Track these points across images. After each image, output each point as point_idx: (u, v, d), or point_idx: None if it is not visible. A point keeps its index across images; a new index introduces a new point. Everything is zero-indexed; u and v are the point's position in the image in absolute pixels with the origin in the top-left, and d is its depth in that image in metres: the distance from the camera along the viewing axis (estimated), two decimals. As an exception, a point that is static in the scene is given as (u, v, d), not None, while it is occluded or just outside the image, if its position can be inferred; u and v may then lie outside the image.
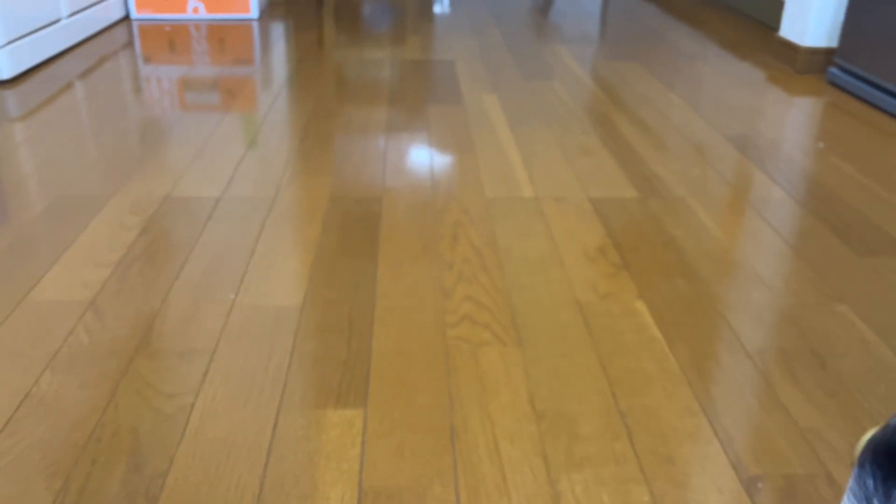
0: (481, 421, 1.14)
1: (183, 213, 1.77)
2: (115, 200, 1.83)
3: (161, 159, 2.10)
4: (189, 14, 3.80)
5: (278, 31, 3.60)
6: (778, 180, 2.02)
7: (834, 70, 2.84)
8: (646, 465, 1.07)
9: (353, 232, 1.71)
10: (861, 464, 0.61)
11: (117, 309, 1.39)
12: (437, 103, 2.60)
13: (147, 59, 3.09)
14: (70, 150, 2.14)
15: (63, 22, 3.07)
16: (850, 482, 0.61)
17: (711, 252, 1.65)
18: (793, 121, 2.54)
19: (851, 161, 2.16)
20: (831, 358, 1.30)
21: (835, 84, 2.85)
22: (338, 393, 1.19)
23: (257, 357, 1.27)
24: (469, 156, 2.15)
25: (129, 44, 3.30)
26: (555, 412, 1.16)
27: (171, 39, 3.40)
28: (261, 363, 1.25)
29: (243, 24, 3.66)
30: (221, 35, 3.48)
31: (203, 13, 3.81)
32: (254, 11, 3.81)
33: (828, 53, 2.94)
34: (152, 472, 1.03)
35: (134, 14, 3.76)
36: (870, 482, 0.59)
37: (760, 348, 1.33)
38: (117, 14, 3.66)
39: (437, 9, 4.24)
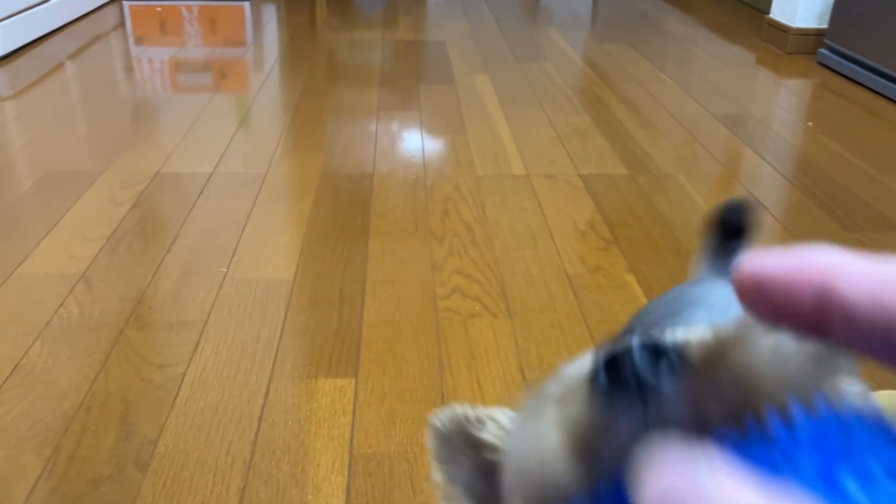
0: (471, 388, 1.15)
1: (174, 188, 1.77)
2: (105, 177, 1.82)
3: (151, 137, 2.09)
4: (179, -5, 3.77)
5: (269, 12, 3.58)
6: (767, 158, 2.03)
7: (824, 51, 2.85)
8: (634, 432, 1.08)
9: (344, 207, 1.71)
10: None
11: (108, 282, 1.39)
12: (428, 83, 2.60)
13: (138, 40, 3.07)
14: (60, 127, 2.13)
15: (54, 1, 3.04)
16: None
17: (700, 227, 1.66)
18: (782, 101, 2.55)
19: (839, 139, 2.17)
20: (818, 329, 1.31)
21: (824, 65, 2.85)
22: (329, 362, 1.20)
23: (248, 328, 1.27)
24: (460, 134, 2.15)
25: (121, 24, 3.27)
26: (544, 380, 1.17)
27: (162, 20, 3.38)
28: (252, 334, 1.26)
29: (235, 6, 3.64)
30: (213, 16, 3.46)
31: (193, -5, 3.78)
32: (244, -7, 3.78)
33: (818, 35, 2.94)
34: (142, 440, 1.04)
35: (123, -5, 3.73)
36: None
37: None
38: (106, -5, 3.63)
39: (428, -9, 4.22)
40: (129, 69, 2.72)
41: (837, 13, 2.77)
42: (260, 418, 1.08)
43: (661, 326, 0.59)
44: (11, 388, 1.12)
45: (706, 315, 0.56)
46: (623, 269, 1.48)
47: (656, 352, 0.20)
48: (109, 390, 1.13)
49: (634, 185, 1.84)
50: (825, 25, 2.90)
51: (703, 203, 1.77)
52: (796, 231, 1.65)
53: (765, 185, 1.87)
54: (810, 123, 2.30)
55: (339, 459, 1.01)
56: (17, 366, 1.17)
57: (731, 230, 0.74)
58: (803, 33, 2.96)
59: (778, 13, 3.10)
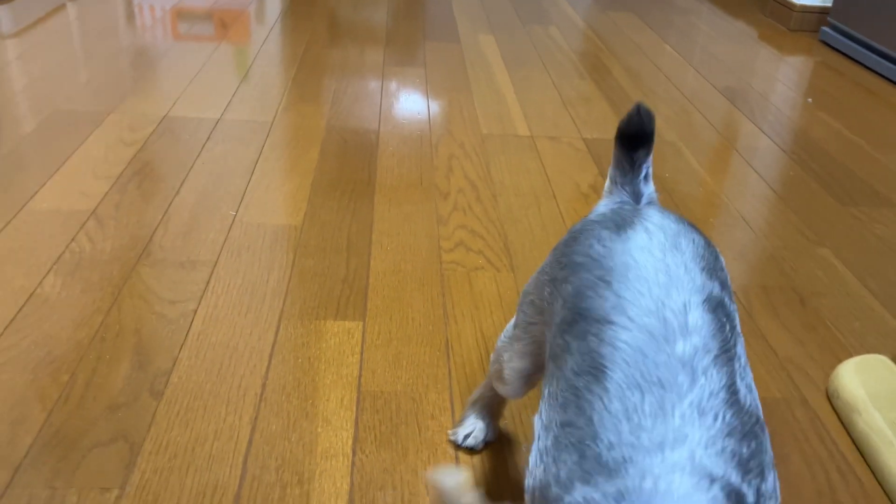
0: (474, 336, 1.18)
1: (181, 132, 1.78)
2: (111, 118, 1.82)
3: (156, 82, 2.09)
4: (181, -58, 3.72)
5: (273, -37, 3.54)
6: (766, 130, 2.06)
7: (826, 29, 2.87)
8: (631, 383, 1.12)
9: (350, 160, 1.72)
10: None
11: (118, 220, 1.41)
12: (433, 41, 2.60)
13: (139, -15, 3.03)
14: (64, 68, 2.12)
15: (53, -59, 3.00)
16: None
17: (698, 194, 1.69)
18: (783, 76, 2.57)
19: (838, 117, 2.20)
20: (811, 296, 1.36)
21: (826, 43, 2.88)
22: (337, 306, 1.23)
23: (258, 270, 1.30)
24: (465, 93, 2.16)
25: (121, -32, 3.23)
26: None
27: (163, -34, 3.33)
28: (262, 275, 1.28)
29: (237, -45, 3.60)
30: (215, -35, 3.42)
31: (196, -58, 3.73)
32: (248, -57, 3.73)
33: (821, 13, 2.96)
34: (156, 371, 1.07)
35: (124, -61, 3.67)
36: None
37: (744, 285, 1.38)
38: (108, -62, 3.57)
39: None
40: (130, 15, 2.69)
41: (842, -8, 2.79)
42: (270, 355, 1.11)
43: (590, 294, 0.64)
44: (27, 317, 1.15)
45: (636, 284, 0.62)
46: (624, 231, 1.51)
47: None
48: (122, 323, 1.15)
49: (636, 151, 1.87)
50: (829, 4, 2.92)
51: (702, 170, 1.80)
52: (793, 203, 1.68)
53: (763, 156, 1.91)
54: (810, 100, 2.33)
55: (348, 396, 1.05)
56: (31, 295, 1.19)
57: (633, 139, 0.79)
58: (807, 10, 2.98)
59: (783, -11, 3.11)
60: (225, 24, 2.66)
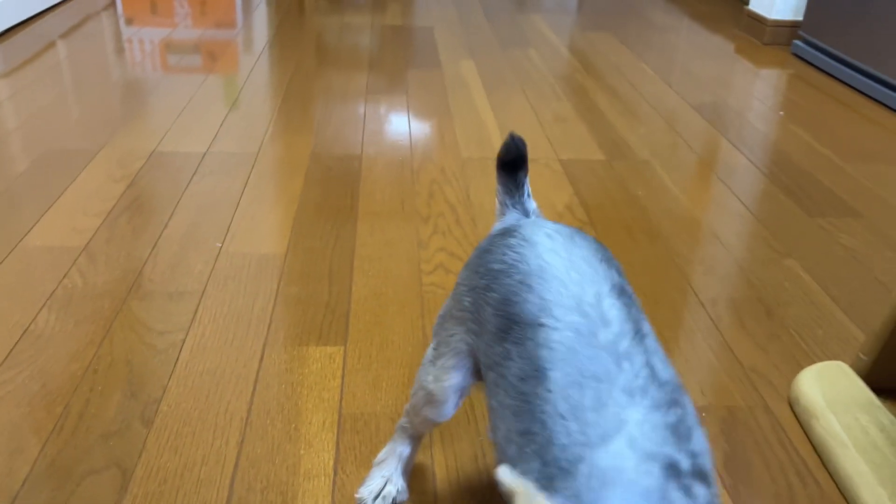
0: (452, 357, 1.23)
1: (169, 166, 1.84)
2: (101, 155, 1.88)
3: (146, 117, 2.15)
4: (169, -24, 3.80)
5: (259, -6, 3.62)
6: (739, 146, 2.12)
7: (798, 43, 2.94)
8: (601, 397, 1.17)
9: (333, 187, 1.78)
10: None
11: (109, 254, 1.47)
12: (415, 68, 2.67)
13: (129, 21, 3.11)
14: (55, 106, 2.19)
15: (43, -19, 3.07)
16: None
17: (672, 211, 1.75)
18: (757, 91, 2.64)
19: (808, 129, 2.26)
20: (777, 306, 1.41)
21: (799, 56, 2.95)
22: (319, 331, 1.28)
23: (243, 299, 1.35)
24: (446, 118, 2.23)
25: (112, 4, 3.31)
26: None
27: (152, 1, 3.41)
28: (247, 304, 1.34)
29: (224, -13, 3.68)
30: (202, -3, 3.50)
31: (183, -25, 3.81)
32: (234, -25, 3.82)
33: (793, 27, 3.03)
34: (147, 399, 1.12)
35: (113, -25, 3.75)
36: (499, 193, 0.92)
37: (712, 297, 1.43)
38: (97, -26, 3.65)
39: (416, -24, 4.27)
40: (119, 50, 2.76)
41: (812, 6, 2.86)
42: (255, 381, 1.16)
43: (517, 299, 0.70)
44: (22, 352, 1.20)
45: (554, 285, 0.69)
46: (597, 249, 1.57)
47: None
48: (114, 354, 1.20)
49: (611, 171, 1.93)
50: (801, 18, 2.99)
51: (676, 189, 1.86)
52: (764, 218, 1.74)
53: (735, 171, 1.97)
54: (781, 113, 2.39)
55: (329, 419, 1.10)
56: (25, 331, 1.24)
57: (513, 164, 0.89)
58: (779, 25, 3.06)
59: (756, 4, 3.18)
60: (213, 56, 2.73)
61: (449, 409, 0.88)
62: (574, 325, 0.65)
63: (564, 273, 0.69)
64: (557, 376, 0.63)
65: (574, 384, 0.62)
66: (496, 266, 0.75)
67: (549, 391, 0.62)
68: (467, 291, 0.80)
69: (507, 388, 0.67)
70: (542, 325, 0.67)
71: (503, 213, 0.91)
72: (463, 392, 0.87)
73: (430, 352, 0.88)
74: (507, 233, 0.79)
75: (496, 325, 0.72)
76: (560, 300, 0.67)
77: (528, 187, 0.92)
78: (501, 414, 0.67)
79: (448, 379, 0.85)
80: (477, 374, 0.82)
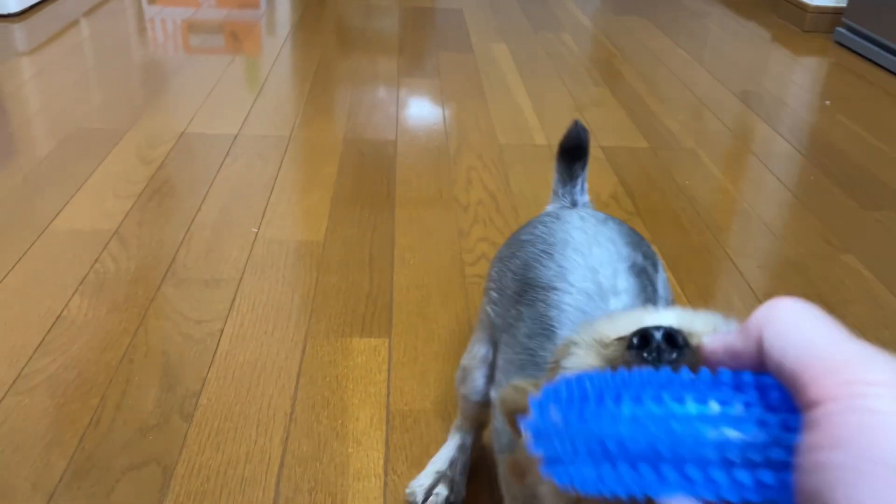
0: (502, 352, 1.18)
1: (199, 149, 1.78)
2: (130, 135, 1.83)
3: (171, 98, 2.10)
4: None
5: (283, -25, 3.55)
6: (783, 134, 2.05)
7: (841, 30, 2.85)
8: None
9: (368, 173, 1.72)
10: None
11: (141, 238, 1.41)
12: (447, 51, 2.60)
13: (152, 0, 3.05)
14: (80, 86, 2.13)
15: (66, -42, 3.01)
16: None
17: (720, 201, 1.69)
18: (798, 78, 2.56)
19: (856, 119, 2.18)
20: (838, 304, 1.35)
21: (841, 44, 2.86)
22: (362, 323, 1.22)
23: (282, 287, 1.30)
24: (480, 103, 2.16)
25: (133, -17, 3.25)
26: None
27: (174, -20, 3.35)
28: (286, 293, 1.28)
29: (247, -33, 3.61)
30: (225, -23, 3.43)
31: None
32: (257, -45, 3.75)
33: (835, 13, 2.94)
34: (185, 392, 1.07)
35: (135, -47, 3.69)
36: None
37: (768, 292, 1.37)
38: (118, -47, 3.59)
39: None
40: (142, 30, 2.71)
41: (856, -8, 2.77)
42: (298, 374, 1.11)
43: (536, 265, 0.74)
44: (55, 340, 1.15)
45: (573, 256, 0.72)
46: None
47: (670, 334, 0.36)
48: (150, 344, 1.15)
49: (655, 159, 1.86)
50: (843, 4, 2.90)
51: (723, 177, 1.79)
52: (815, 208, 1.67)
53: (782, 161, 1.90)
54: (828, 102, 2.31)
55: (377, 415, 1.04)
56: (58, 318, 1.19)
57: (571, 153, 0.90)
58: (821, 11, 2.96)
59: (795, -10, 3.09)
60: (237, 37, 2.67)
61: (477, 380, 0.87)
62: (586, 291, 0.68)
63: (586, 247, 0.72)
64: (564, 334, 0.64)
65: None
66: (524, 237, 0.79)
67: (556, 346, 0.61)
68: (496, 262, 0.83)
69: (514, 346, 0.70)
70: (555, 288, 0.69)
71: (553, 202, 0.92)
72: (490, 365, 0.87)
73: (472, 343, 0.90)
74: (545, 214, 0.82)
75: (514, 289, 0.75)
76: (576, 269, 0.70)
77: (585, 180, 0.92)
78: (506, 370, 0.71)
79: (476, 350, 0.86)
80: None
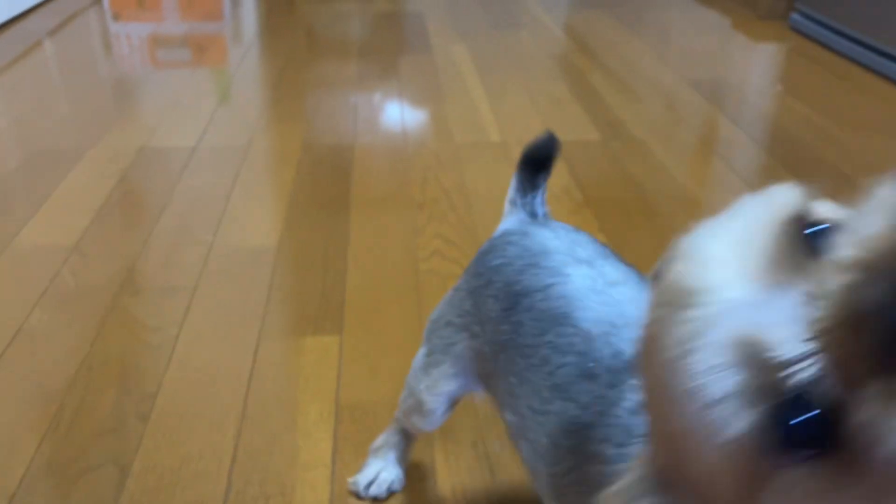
0: (450, 343, 1.22)
1: (160, 162, 1.82)
2: (91, 153, 1.87)
3: (135, 113, 2.13)
4: (157, -30, 3.77)
5: (248, -14, 3.59)
6: (737, 121, 2.10)
7: (795, 16, 2.91)
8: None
9: (326, 177, 1.76)
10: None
11: (100, 252, 1.45)
12: (407, 54, 2.64)
13: (116, 16, 3.08)
14: (43, 105, 2.17)
15: (30, -21, 3.04)
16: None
17: (670, 190, 1.73)
18: (755, 66, 2.61)
19: (808, 102, 2.24)
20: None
21: (796, 30, 2.92)
22: (315, 322, 1.26)
23: (237, 292, 1.34)
24: (438, 104, 2.20)
25: (98, 0, 3.28)
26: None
27: (139, -4, 3.38)
28: (240, 297, 1.32)
29: (212, -20, 3.65)
30: (191, -9, 3.47)
31: (171, -31, 3.78)
32: (222, -33, 3.78)
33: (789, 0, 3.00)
34: (142, 395, 1.11)
35: (101, -29, 3.72)
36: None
37: (712, 274, 1.41)
38: (84, -29, 3.62)
39: (407, -38, 4.23)
40: (107, 46, 2.74)
41: (807, -22, 2.82)
42: (251, 374, 1.15)
43: (522, 278, 0.69)
44: (16, 352, 1.19)
45: (560, 257, 0.69)
46: (595, 230, 1.55)
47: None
48: (108, 352, 1.19)
49: (606, 150, 1.91)
50: (796, -10, 2.95)
51: (674, 167, 1.84)
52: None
53: (736, 149, 1.95)
54: (779, 87, 2.37)
55: (327, 409, 1.08)
56: (19, 330, 1.23)
57: (538, 164, 0.84)
58: (775, -2, 3.02)
59: (750, -21, 3.15)
60: (202, 49, 2.71)
61: (437, 418, 0.85)
62: (588, 277, 0.66)
63: (569, 249, 0.70)
64: (581, 314, 0.63)
65: (600, 321, 0.62)
66: (497, 262, 0.74)
67: (574, 326, 0.62)
68: (468, 295, 0.77)
69: (523, 349, 0.66)
70: (553, 284, 0.66)
71: (510, 213, 0.85)
72: (455, 401, 0.85)
73: (421, 358, 0.85)
74: (507, 234, 0.77)
75: (501, 307, 0.70)
76: (568, 264, 0.68)
77: (545, 192, 0.86)
78: (522, 378, 0.66)
79: (442, 387, 0.81)
80: (479, 381, 0.79)
